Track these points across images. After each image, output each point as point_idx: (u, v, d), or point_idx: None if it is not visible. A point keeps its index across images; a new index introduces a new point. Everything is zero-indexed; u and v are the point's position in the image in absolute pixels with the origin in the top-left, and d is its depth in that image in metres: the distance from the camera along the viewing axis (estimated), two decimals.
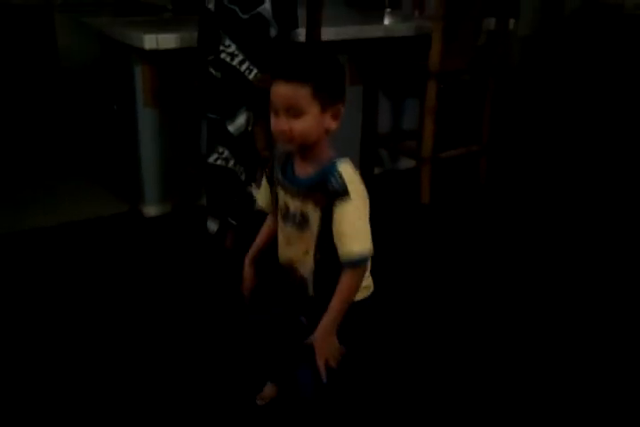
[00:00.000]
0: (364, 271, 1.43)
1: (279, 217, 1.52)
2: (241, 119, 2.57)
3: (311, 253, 1.46)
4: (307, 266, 1.48)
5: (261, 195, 1.61)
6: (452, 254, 2.85)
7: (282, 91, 1.31)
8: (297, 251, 1.49)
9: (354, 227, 1.35)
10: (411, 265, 2.75)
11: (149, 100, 2.99)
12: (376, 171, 3.81)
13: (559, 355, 2.16)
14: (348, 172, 1.37)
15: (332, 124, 1.36)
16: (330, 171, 1.36)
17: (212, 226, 2.77)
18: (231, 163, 2.64)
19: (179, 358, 2.08)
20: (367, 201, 1.39)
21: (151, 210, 3.17)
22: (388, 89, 3.70)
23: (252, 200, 2.68)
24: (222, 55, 2.49)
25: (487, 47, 3.48)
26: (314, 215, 1.41)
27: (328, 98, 1.33)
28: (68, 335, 2.19)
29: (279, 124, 1.34)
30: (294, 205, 1.45)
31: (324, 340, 1.40)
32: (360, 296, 1.48)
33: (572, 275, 2.68)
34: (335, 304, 1.40)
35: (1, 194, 3.37)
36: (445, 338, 2.23)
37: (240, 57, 2.49)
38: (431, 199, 3.38)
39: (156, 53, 2.82)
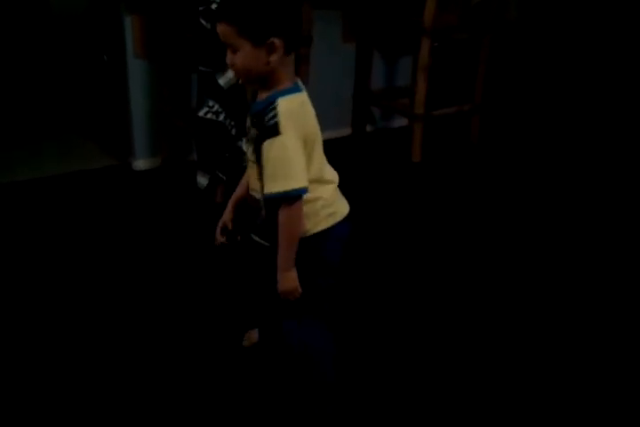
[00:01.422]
0: (296, 208, 1.43)
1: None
2: (231, 72, 2.54)
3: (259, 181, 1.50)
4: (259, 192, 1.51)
5: None
6: (442, 213, 2.86)
7: (218, 30, 1.40)
8: (254, 179, 1.52)
9: (275, 166, 1.39)
10: (400, 222, 2.76)
11: (139, 50, 2.95)
12: (368, 128, 3.80)
13: (544, 321, 2.19)
14: (285, 106, 1.39)
15: (271, 58, 1.39)
16: (268, 105, 1.40)
17: (202, 181, 2.76)
18: (221, 117, 2.62)
19: (167, 307, 2.11)
20: (300, 136, 1.39)
21: (141, 164, 3.16)
22: (382, 46, 3.66)
23: (243, 154, 2.67)
24: (213, 6, 2.45)
25: (483, 3, 3.42)
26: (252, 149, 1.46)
27: (257, 35, 1.37)
28: (56, 289, 2.21)
29: (227, 58, 1.43)
30: (249, 137, 1.49)
31: (281, 275, 1.48)
32: (324, 225, 1.51)
33: (558, 230, 2.71)
34: (279, 242, 1.46)
35: None
36: (434, 303, 2.26)
37: None
38: (422, 158, 3.38)
39: (147, 3, 2.77)
